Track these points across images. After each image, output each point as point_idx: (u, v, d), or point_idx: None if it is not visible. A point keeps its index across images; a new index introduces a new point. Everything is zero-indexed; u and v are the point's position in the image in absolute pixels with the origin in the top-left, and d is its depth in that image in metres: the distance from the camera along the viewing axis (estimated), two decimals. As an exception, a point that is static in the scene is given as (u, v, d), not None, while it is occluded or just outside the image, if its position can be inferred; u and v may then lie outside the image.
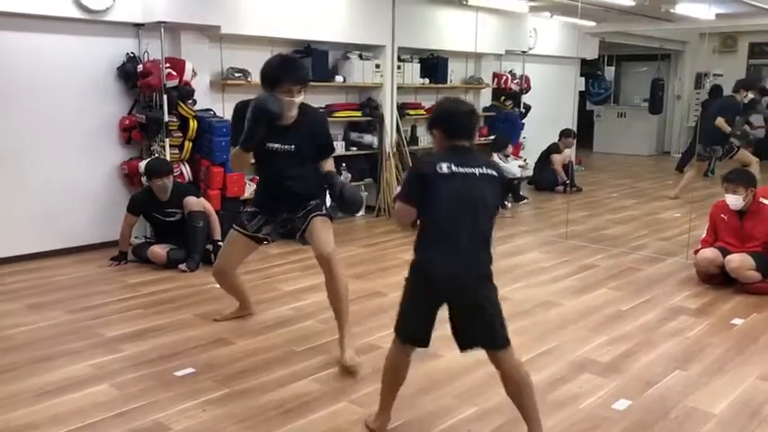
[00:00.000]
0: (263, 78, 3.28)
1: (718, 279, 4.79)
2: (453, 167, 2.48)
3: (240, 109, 3.31)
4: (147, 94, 5.58)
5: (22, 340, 3.71)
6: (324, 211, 3.49)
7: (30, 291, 4.59)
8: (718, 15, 9.09)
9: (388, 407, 2.75)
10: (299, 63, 3.46)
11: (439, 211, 2.49)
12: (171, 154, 5.55)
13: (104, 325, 3.94)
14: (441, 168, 2.47)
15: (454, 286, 2.51)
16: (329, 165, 3.50)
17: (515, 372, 2.58)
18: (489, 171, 2.54)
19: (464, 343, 2.60)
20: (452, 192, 2.48)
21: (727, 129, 7.61)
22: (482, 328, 2.55)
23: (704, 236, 5.02)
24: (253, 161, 3.49)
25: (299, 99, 3.26)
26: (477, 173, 2.51)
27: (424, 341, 2.61)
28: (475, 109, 2.73)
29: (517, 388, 2.58)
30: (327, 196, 3.53)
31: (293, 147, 3.36)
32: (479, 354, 3.52)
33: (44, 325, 3.94)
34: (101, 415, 2.86)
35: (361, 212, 7.29)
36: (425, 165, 2.55)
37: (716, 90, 10.73)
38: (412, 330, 2.62)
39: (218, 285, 4.18)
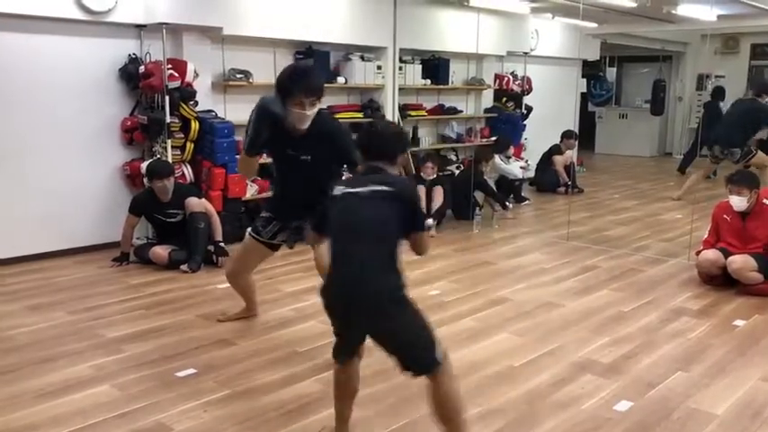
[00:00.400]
0: (277, 88, 3.20)
1: (719, 280, 4.79)
2: (345, 189, 2.43)
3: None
4: (149, 95, 5.59)
5: (23, 341, 3.71)
6: None
7: (31, 291, 4.59)
8: (719, 16, 9.08)
9: (341, 419, 2.64)
10: (312, 73, 3.32)
11: (333, 236, 2.44)
12: (173, 155, 5.56)
13: (106, 326, 3.94)
14: (334, 191, 2.45)
15: (349, 313, 2.37)
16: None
17: (445, 400, 2.38)
18: (383, 188, 2.37)
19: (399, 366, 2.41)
20: (342, 214, 2.41)
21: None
22: (398, 353, 2.37)
23: (706, 237, 5.01)
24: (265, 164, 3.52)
25: (311, 111, 3.16)
26: (368, 191, 2.37)
27: (349, 356, 2.54)
28: (401, 132, 2.67)
29: (443, 417, 2.40)
30: None
31: (309, 157, 3.32)
32: (481, 355, 3.54)
33: (45, 326, 3.94)
34: (102, 416, 2.86)
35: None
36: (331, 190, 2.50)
37: (718, 91, 10.73)
38: (337, 348, 2.55)
39: (220, 286, 4.19)
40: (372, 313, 2.32)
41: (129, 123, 5.65)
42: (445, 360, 2.38)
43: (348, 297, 2.34)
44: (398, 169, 2.58)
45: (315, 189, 3.27)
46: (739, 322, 4.13)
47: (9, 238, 5.20)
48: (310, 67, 3.29)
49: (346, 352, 2.54)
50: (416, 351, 2.35)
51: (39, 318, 4.07)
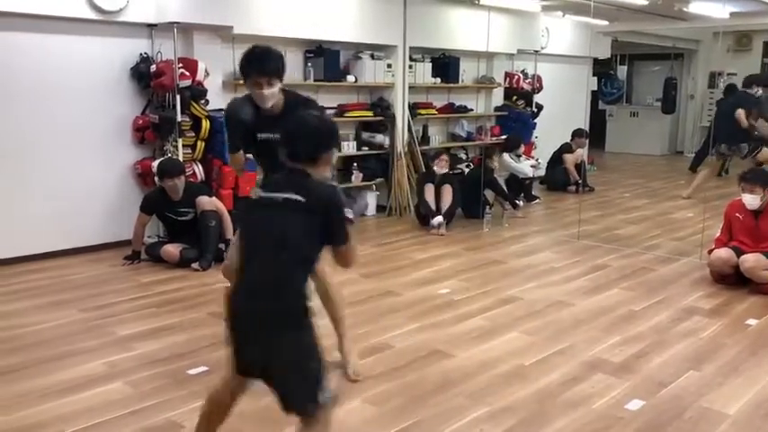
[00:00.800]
0: (240, 72, 3.27)
1: (731, 279, 4.75)
2: (261, 193, 2.22)
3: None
4: (161, 94, 5.62)
5: (34, 339, 3.74)
6: None
7: (43, 290, 4.63)
8: (732, 14, 9.01)
9: None
10: (268, 55, 3.23)
11: (243, 242, 2.27)
12: (183, 154, 5.58)
13: (117, 323, 3.96)
14: (252, 195, 2.28)
15: (241, 327, 2.16)
16: None
17: None
18: (296, 197, 2.12)
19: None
20: (250, 221, 2.28)
21: (745, 122, 7.55)
22: (280, 386, 2.11)
23: (718, 235, 4.98)
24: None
25: (269, 91, 3.14)
26: (281, 199, 2.14)
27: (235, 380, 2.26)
28: (323, 127, 2.35)
29: None
30: None
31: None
32: (491, 354, 3.53)
33: (57, 324, 3.97)
34: (114, 413, 2.88)
35: (370, 210, 7.30)
36: (250, 192, 2.32)
37: (731, 89, 10.64)
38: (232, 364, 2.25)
39: (230, 284, 4.19)
40: (262, 333, 2.08)
41: (140, 122, 5.68)
42: (328, 406, 2.13)
43: (243, 307, 2.15)
44: (326, 171, 2.28)
45: None
46: (752, 321, 4.11)
47: (21, 237, 5.24)
48: (268, 48, 3.23)
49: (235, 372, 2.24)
50: (298, 385, 2.09)
51: (51, 316, 4.10)
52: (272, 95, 3.17)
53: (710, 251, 4.94)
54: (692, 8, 8.84)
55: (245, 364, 2.17)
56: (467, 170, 7.76)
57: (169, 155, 5.56)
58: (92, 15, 5.23)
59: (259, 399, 2.98)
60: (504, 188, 7.37)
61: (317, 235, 2.16)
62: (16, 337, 3.75)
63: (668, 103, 12.58)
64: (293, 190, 2.14)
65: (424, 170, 7.22)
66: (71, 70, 5.35)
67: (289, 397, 2.09)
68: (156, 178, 5.37)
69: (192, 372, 3.29)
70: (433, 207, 6.52)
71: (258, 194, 2.24)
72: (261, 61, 3.18)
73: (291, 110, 3.26)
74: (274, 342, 2.07)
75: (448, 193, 6.64)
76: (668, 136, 13.55)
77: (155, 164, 5.46)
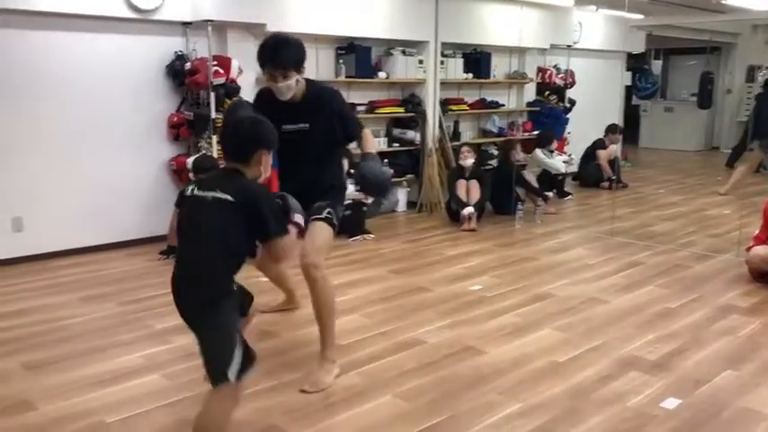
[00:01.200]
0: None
1: (770, 277, 4.67)
2: (195, 191, 2.38)
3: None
4: (195, 91, 5.70)
5: (76, 331, 3.83)
6: (326, 215, 3.22)
7: (83, 283, 4.74)
8: (771, 6, 8.81)
9: None
10: (284, 46, 3.11)
11: (178, 235, 2.49)
12: (217, 150, 5.65)
13: (154, 317, 4.04)
14: (186, 191, 2.44)
15: (180, 310, 2.42)
16: (367, 146, 3.28)
17: (207, 419, 2.33)
18: (225, 196, 2.30)
19: None
20: (184, 216, 2.48)
21: None
22: (203, 355, 2.36)
23: (756, 233, 4.89)
24: None
25: (284, 84, 3.07)
26: (210, 197, 2.32)
27: None
28: (252, 129, 2.51)
29: (198, 428, 2.33)
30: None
31: (308, 125, 3.19)
32: (524, 351, 3.52)
33: (97, 316, 4.06)
34: (153, 404, 2.95)
35: (401, 207, 7.31)
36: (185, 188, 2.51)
37: None
38: None
39: (263, 279, 4.23)
40: (192, 314, 2.39)
41: (175, 119, 5.77)
42: (235, 383, 2.29)
43: (178, 294, 2.42)
44: (258, 171, 2.47)
45: (317, 164, 3.27)
46: (791, 320, 4.03)
47: (62, 232, 5.37)
48: (285, 38, 3.12)
49: None
50: (213, 359, 2.31)
51: (90, 309, 4.20)
52: (287, 88, 3.08)
53: (748, 248, 4.85)
54: (731, 0, 8.65)
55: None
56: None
57: (203, 151, 5.64)
58: (129, 14, 5.33)
59: (294, 392, 3.03)
60: (534, 183, 7.32)
61: (244, 230, 2.37)
62: (58, 329, 3.85)
63: (704, 98, 12.33)
64: (222, 189, 2.33)
65: (454, 166, 7.21)
66: (108, 68, 5.45)
67: (208, 368, 2.32)
68: (191, 174, 5.45)
69: (228, 365, 3.34)
70: (465, 202, 6.52)
71: (191, 191, 2.40)
72: (275, 52, 3.07)
73: (314, 100, 3.19)
74: (196, 321, 2.38)
75: (475, 187, 6.63)
76: (704, 131, 13.30)
77: (189, 160, 5.54)
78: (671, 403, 2.96)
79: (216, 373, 2.28)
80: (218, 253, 2.34)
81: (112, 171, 5.59)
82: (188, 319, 2.40)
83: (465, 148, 6.78)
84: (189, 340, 3.64)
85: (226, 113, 3.13)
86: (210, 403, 2.34)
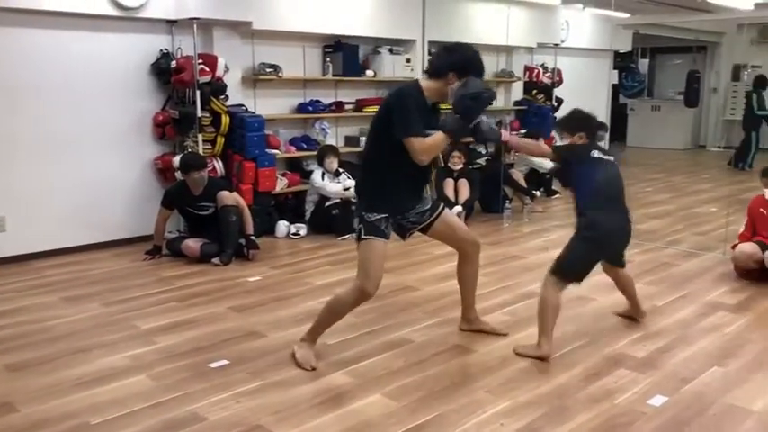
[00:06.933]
0: (462, 65, 3.15)
1: (756, 274, 4.69)
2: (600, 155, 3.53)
3: (409, 94, 3.13)
4: (181, 89, 5.65)
5: (60, 332, 3.79)
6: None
7: (67, 283, 4.69)
8: (756, 5, 8.83)
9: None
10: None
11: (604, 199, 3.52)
12: (203, 149, 5.62)
13: (140, 317, 4.00)
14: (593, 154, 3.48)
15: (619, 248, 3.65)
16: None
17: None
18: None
19: None
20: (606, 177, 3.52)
21: None
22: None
23: (742, 230, 4.91)
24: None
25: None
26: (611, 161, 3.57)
27: None
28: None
29: None
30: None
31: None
32: (512, 348, 3.52)
33: (81, 317, 4.02)
34: (137, 405, 2.91)
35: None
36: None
37: (761, 80, 10.50)
38: None
39: (251, 279, 4.22)
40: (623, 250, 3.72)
41: (160, 118, 5.72)
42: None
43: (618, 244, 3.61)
44: None
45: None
46: (777, 317, 4.05)
47: (46, 232, 5.31)
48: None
49: None
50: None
51: (75, 309, 4.15)
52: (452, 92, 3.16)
53: (734, 246, 4.88)
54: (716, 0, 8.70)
55: None
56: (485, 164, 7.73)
57: (189, 150, 5.60)
58: (113, 12, 5.28)
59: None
60: (522, 182, 7.33)
61: None
62: (42, 330, 3.80)
63: (691, 97, 12.42)
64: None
65: (442, 165, 7.20)
66: (92, 66, 5.40)
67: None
68: (177, 173, 5.41)
69: (214, 365, 3.32)
70: (453, 201, 6.51)
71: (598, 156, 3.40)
72: (481, 65, 3.25)
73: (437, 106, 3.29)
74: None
75: (465, 186, 6.65)
76: (691, 130, 13.39)
77: (175, 159, 5.50)
78: (658, 400, 2.96)
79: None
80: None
81: (97, 170, 5.53)
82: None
83: (456, 154, 6.77)
84: (174, 340, 3.64)
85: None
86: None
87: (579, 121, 3.56)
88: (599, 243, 3.37)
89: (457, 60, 3.17)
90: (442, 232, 3.46)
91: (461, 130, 3.15)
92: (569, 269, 3.36)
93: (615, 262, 3.70)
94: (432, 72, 3.22)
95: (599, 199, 3.36)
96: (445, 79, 3.15)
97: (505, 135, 3.52)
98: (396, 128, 3.06)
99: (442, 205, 3.50)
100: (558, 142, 3.78)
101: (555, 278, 3.36)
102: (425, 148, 3.06)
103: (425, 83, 3.22)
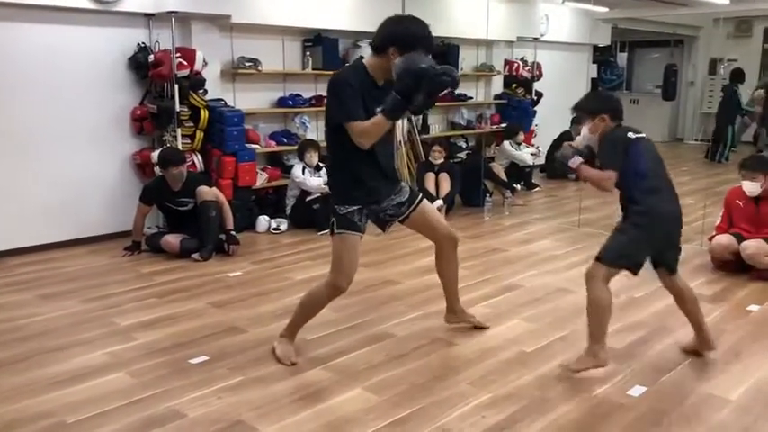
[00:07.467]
0: (403, 39, 2.91)
1: (732, 266, 4.75)
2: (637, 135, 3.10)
3: (344, 80, 2.99)
4: (159, 84, 5.59)
5: (36, 330, 3.73)
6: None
7: (43, 281, 4.62)
8: (732, 0, 8.97)
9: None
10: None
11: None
12: (182, 144, 5.56)
13: (118, 314, 3.96)
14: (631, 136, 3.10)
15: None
16: None
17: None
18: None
19: None
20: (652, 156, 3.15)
21: None
22: None
23: (719, 222, 4.98)
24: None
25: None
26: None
27: None
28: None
29: None
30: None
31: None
32: (493, 341, 3.53)
33: (58, 314, 3.96)
34: (116, 403, 2.88)
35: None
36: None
37: (736, 74, 10.62)
38: None
39: (231, 274, 4.17)
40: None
41: (138, 112, 5.65)
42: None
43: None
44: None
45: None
46: (753, 307, 4.10)
47: (21, 228, 5.23)
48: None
49: None
50: None
51: (52, 307, 4.10)
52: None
53: (711, 238, 4.93)
54: (693, -6, 8.79)
55: None
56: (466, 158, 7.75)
57: (168, 145, 5.54)
58: (89, 5, 5.20)
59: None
60: (502, 175, 7.36)
61: None
62: (18, 329, 3.75)
63: (668, 90, 12.52)
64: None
65: (423, 159, 7.21)
66: (68, 60, 5.32)
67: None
68: (156, 168, 5.36)
69: (194, 361, 3.29)
70: (434, 195, 6.52)
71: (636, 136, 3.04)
72: (428, 40, 2.97)
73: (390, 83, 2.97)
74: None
75: (446, 180, 6.66)
76: (668, 123, 13.51)
77: (154, 154, 5.45)
78: (637, 391, 2.99)
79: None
80: None
81: (74, 165, 5.45)
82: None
83: (436, 148, 6.78)
84: (154, 337, 3.61)
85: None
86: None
87: (599, 102, 3.16)
88: (653, 231, 3.03)
89: (398, 33, 2.94)
90: (420, 224, 3.39)
91: (399, 111, 2.89)
92: (621, 253, 3.02)
93: (668, 262, 3.18)
94: (373, 47, 3.02)
95: (652, 182, 3.02)
96: (386, 55, 2.94)
97: (576, 162, 3.12)
98: (333, 117, 3.01)
99: (420, 196, 3.40)
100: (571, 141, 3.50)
101: (602, 267, 3.01)
102: (362, 131, 2.91)
103: (370, 60, 3.04)
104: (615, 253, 3.03)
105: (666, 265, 3.19)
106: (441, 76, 2.79)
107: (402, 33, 2.94)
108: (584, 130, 3.11)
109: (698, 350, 3.35)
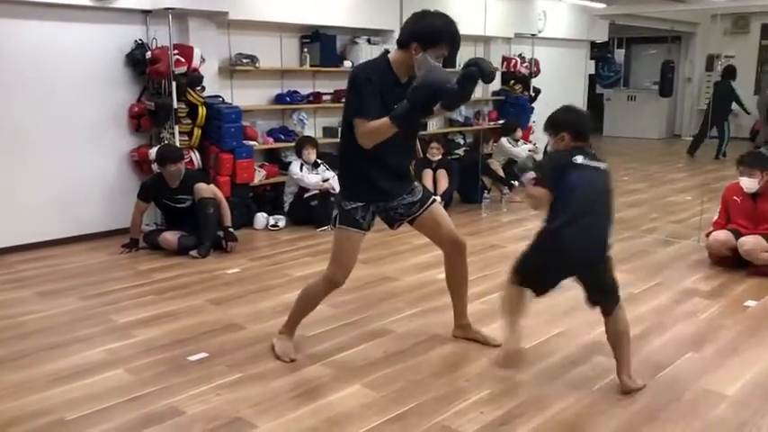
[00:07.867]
0: (427, 35, 2.87)
1: (730, 261, 4.76)
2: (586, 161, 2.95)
3: (365, 76, 2.91)
4: (156, 80, 5.58)
5: (34, 327, 3.73)
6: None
7: (42, 278, 4.62)
8: (730, -4, 8.98)
9: None
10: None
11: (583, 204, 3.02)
12: (180, 141, 5.56)
13: (117, 311, 3.96)
14: (576, 160, 2.97)
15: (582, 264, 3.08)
16: None
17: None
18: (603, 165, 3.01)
19: None
20: (586, 184, 3.00)
21: None
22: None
23: (716, 218, 4.98)
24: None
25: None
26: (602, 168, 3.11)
27: None
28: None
29: None
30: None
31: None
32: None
33: (57, 312, 3.96)
34: (115, 400, 2.88)
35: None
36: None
37: (729, 71, 10.62)
38: None
39: (229, 271, 4.17)
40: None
41: (136, 109, 5.65)
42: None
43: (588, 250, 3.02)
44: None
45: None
46: (751, 303, 4.12)
47: (19, 225, 5.22)
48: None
49: None
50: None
51: (50, 304, 4.09)
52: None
53: (708, 234, 4.95)
54: (690, -10, 8.80)
55: None
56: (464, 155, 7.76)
57: (166, 142, 5.54)
58: (86, 2, 5.19)
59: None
60: (500, 172, 7.36)
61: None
62: (17, 326, 3.75)
63: (666, 87, 12.56)
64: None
65: (421, 156, 7.21)
66: (66, 57, 5.31)
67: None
68: (154, 165, 5.35)
69: (192, 358, 3.29)
70: (432, 192, 6.53)
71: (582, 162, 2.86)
72: (454, 37, 2.99)
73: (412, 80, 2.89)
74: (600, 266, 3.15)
75: (444, 177, 6.67)
76: (665, 119, 13.53)
77: (152, 151, 5.44)
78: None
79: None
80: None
81: (72, 163, 5.45)
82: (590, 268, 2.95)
83: (434, 144, 6.79)
84: (153, 334, 3.61)
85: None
86: (622, 315, 2.95)
87: (562, 120, 3.00)
88: (551, 258, 2.93)
89: (421, 28, 2.87)
90: (428, 227, 3.30)
91: (408, 121, 2.78)
92: (519, 267, 3.04)
93: (593, 294, 3.01)
94: (398, 41, 2.95)
95: (570, 210, 2.83)
96: (408, 50, 2.87)
97: (527, 177, 3.01)
98: (346, 109, 2.96)
99: (432, 198, 3.31)
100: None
101: (510, 273, 3.05)
102: (366, 131, 2.84)
103: (394, 55, 2.96)
104: (516, 266, 3.07)
105: (591, 293, 3.00)
106: (455, 94, 2.76)
107: (424, 28, 2.87)
108: (504, 141, 3.19)
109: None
